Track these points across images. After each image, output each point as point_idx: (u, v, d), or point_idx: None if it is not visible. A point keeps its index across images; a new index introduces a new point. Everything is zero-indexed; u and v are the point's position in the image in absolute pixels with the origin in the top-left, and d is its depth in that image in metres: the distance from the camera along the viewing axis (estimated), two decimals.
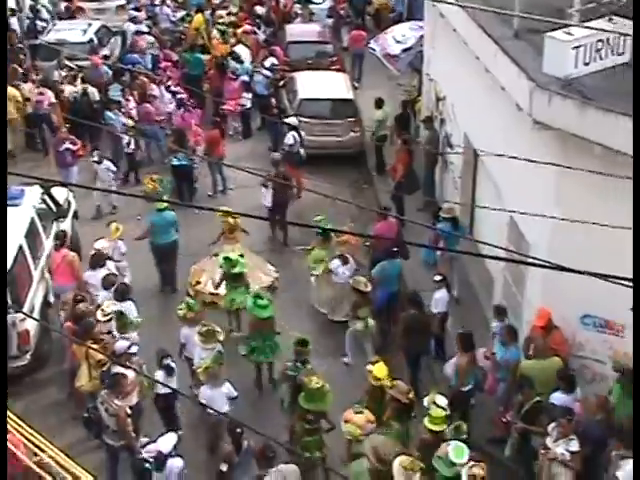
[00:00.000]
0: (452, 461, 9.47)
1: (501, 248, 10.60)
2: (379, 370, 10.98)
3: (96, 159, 17.39)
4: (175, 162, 17.48)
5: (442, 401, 10.25)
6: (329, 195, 11.25)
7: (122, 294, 12.60)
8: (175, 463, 9.92)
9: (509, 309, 12.58)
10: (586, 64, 10.56)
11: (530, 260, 9.85)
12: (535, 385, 10.60)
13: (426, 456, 9.77)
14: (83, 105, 19.55)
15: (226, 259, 13.63)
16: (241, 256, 13.83)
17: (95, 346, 11.25)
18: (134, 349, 11.34)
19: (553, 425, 10.02)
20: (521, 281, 12.41)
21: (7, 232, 11.86)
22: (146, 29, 23.83)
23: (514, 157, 9.95)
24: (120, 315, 12.03)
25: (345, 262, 14.04)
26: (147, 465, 10.07)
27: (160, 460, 9.85)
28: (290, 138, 17.82)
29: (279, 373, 12.06)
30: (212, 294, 14.35)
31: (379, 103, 18.97)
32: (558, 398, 10.56)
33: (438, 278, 13.02)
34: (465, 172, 15.39)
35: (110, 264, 13.63)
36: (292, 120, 18.37)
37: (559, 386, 10.64)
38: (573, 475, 9.87)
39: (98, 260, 13.49)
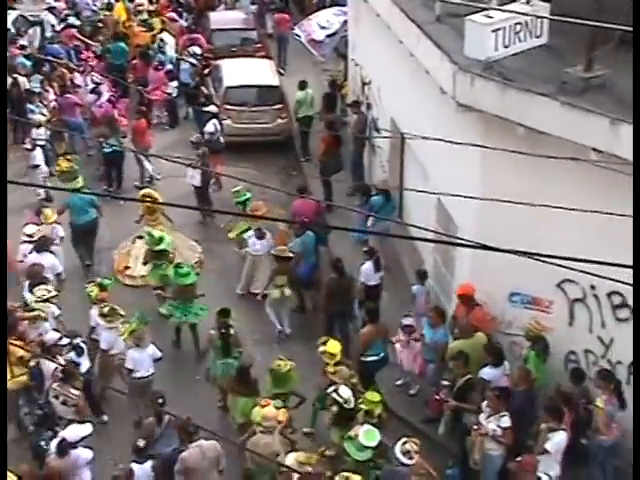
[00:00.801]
0: (363, 444, 9.57)
1: (429, 230, 10.74)
2: (332, 347, 11.11)
3: (29, 147, 17.18)
4: (107, 150, 17.26)
5: (346, 393, 10.37)
6: (257, 182, 11.23)
7: (42, 245, 12.90)
8: (83, 454, 9.85)
9: (439, 290, 12.78)
10: (506, 46, 10.75)
11: (459, 241, 9.98)
12: (468, 363, 10.82)
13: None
14: (13, 95, 19.09)
15: (150, 235, 13.69)
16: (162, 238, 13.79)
17: (19, 342, 11.09)
18: (64, 341, 11.29)
19: (486, 402, 10.25)
20: (450, 262, 12.58)
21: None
22: (72, 20, 23.27)
23: (439, 139, 10.02)
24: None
25: (261, 236, 14.08)
26: (42, 443, 10.13)
27: (62, 447, 9.74)
28: (211, 126, 17.80)
29: (205, 342, 12.23)
30: (143, 277, 14.42)
31: (302, 84, 19.16)
32: (487, 373, 10.82)
33: (365, 249, 13.38)
34: (392, 156, 15.51)
35: (56, 248, 13.68)
36: (212, 108, 18.30)
37: (487, 361, 10.89)
38: (504, 450, 10.11)
39: (44, 244, 13.39)
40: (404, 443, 9.51)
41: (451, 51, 10.95)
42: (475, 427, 10.19)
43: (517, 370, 10.78)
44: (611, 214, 8.83)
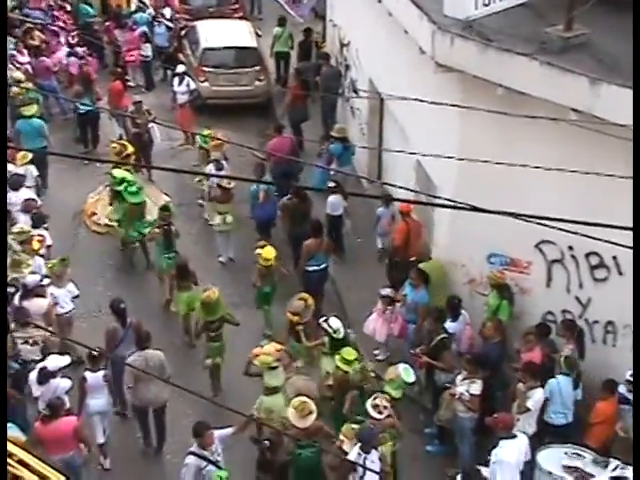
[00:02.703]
0: (406, 381, 9.93)
1: (408, 189, 10.66)
2: (267, 252, 12.28)
3: None
4: (82, 109, 17.14)
5: (335, 323, 10.70)
6: (236, 143, 11.17)
7: (38, 220, 13.16)
8: (62, 383, 10.34)
9: None
10: (486, 5, 10.69)
11: (438, 201, 9.97)
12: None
13: (337, 397, 10.30)
14: None
15: (112, 176, 13.99)
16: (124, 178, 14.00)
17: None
18: (46, 281, 11.81)
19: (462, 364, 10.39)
20: (429, 224, 12.59)
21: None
22: None
23: (418, 100, 9.99)
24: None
25: (219, 168, 14.48)
26: (15, 365, 10.53)
27: (43, 375, 10.27)
28: (183, 87, 17.79)
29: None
30: (107, 225, 14.91)
31: (281, 21, 19.72)
32: (450, 326, 11.09)
33: (332, 185, 14.00)
34: (371, 118, 15.46)
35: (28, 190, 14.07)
36: (181, 68, 18.21)
37: (448, 315, 11.16)
38: (472, 415, 10.21)
39: (17, 182, 13.80)
40: (374, 398, 9.67)
41: (430, 10, 10.87)
42: (447, 385, 10.31)
43: (489, 322, 10.86)
44: (590, 174, 8.83)
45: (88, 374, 10.47)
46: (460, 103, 10.20)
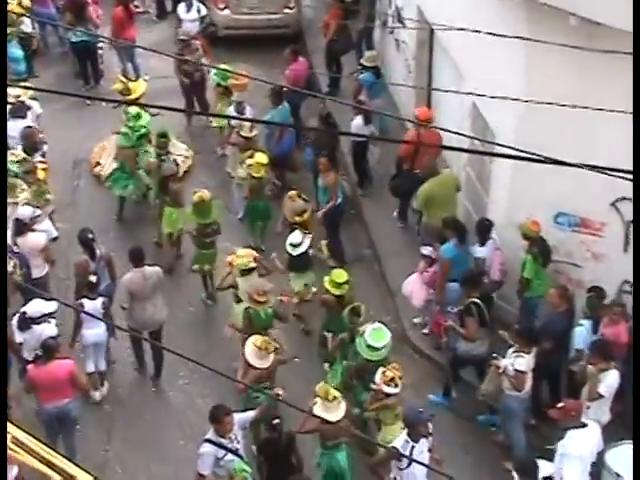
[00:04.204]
0: (372, 345, 10.19)
1: (461, 134, 10.58)
2: (260, 158, 13.70)
3: None
4: (74, 39, 17.23)
5: (296, 237, 12.16)
6: (261, 80, 11.23)
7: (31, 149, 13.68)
8: (46, 330, 10.82)
9: (474, 211, 12.84)
10: None
11: (497, 150, 9.93)
12: (437, 205, 12.43)
13: (329, 320, 11.32)
14: None
15: (126, 112, 14.41)
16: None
17: None
18: (38, 212, 12.37)
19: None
20: (486, 177, 12.56)
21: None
22: None
23: (475, 31, 9.91)
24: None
25: (241, 111, 14.70)
26: None
27: (22, 320, 10.88)
28: (193, 12, 17.87)
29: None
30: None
31: None
32: (479, 251, 11.80)
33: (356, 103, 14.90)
34: (420, 52, 15.35)
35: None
36: None
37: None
38: (518, 395, 10.28)
39: (19, 110, 14.27)
40: (384, 372, 9.87)
41: None
42: (494, 356, 10.47)
43: (552, 289, 10.95)
44: None
45: (86, 301, 11.23)
46: (525, 35, 10.02)
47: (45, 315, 10.89)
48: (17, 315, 10.96)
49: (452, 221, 11.99)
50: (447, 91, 11.99)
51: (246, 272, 11.60)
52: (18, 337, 10.92)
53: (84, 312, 10.82)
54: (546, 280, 11.36)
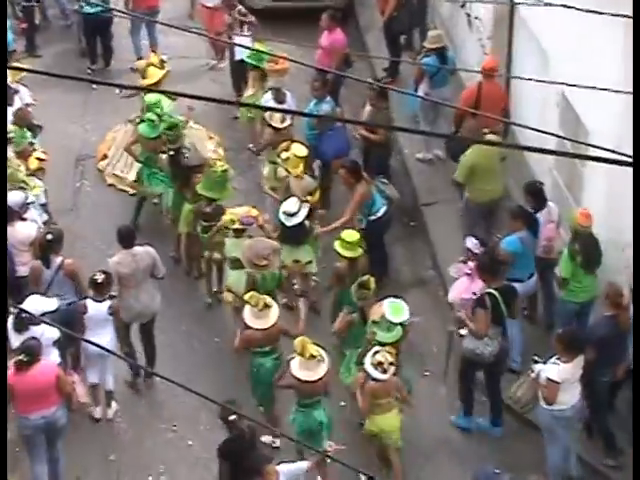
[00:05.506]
0: (390, 321, 10.68)
1: (546, 133, 10.30)
2: (297, 150, 13.38)
3: None
4: (88, 9, 17.21)
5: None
6: (301, 62, 11.71)
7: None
8: (47, 332, 10.87)
9: (561, 221, 12.82)
10: None
11: (591, 152, 9.52)
12: (479, 175, 12.98)
13: (342, 296, 11.66)
14: None
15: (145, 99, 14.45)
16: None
17: None
18: (31, 198, 12.71)
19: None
20: (577, 183, 12.64)
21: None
22: None
23: (566, 6, 9.72)
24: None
25: (279, 100, 14.70)
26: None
27: (20, 320, 10.84)
28: None
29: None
30: (116, 176, 15.39)
31: None
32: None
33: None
34: (497, 31, 15.35)
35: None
36: None
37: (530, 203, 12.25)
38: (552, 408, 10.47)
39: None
40: (375, 353, 10.34)
41: None
42: (534, 358, 10.67)
43: (607, 287, 11.10)
44: None
45: (90, 303, 11.37)
46: (628, 13, 9.84)
47: (45, 314, 10.83)
48: (12, 315, 11.03)
49: (523, 212, 12.22)
50: (531, 79, 11.80)
51: (237, 233, 12.20)
52: (15, 340, 10.89)
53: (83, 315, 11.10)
54: (590, 286, 11.52)
